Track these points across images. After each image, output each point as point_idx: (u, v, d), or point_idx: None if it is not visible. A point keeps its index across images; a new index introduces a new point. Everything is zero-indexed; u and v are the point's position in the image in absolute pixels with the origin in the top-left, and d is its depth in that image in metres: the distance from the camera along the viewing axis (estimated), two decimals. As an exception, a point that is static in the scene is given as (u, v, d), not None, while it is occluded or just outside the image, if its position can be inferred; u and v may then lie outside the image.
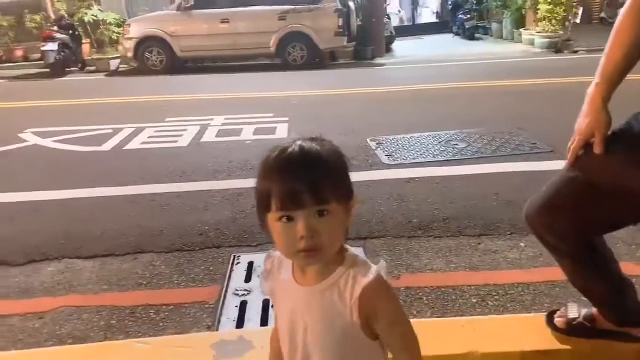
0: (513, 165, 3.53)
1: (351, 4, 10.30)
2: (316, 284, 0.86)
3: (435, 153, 3.85)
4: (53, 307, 2.07)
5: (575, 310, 1.51)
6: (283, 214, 0.79)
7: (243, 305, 2.07)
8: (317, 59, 9.77)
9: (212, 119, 5.24)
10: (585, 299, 1.50)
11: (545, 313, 1.60)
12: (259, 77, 8.80)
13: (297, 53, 9.54)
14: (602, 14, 13.99)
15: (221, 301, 2.09)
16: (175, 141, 4.58)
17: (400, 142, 4.14)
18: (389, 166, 3.68)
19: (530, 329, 1.59)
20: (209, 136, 4.72)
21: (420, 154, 3.83)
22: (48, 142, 4.72)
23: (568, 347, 1.48)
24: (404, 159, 3.75)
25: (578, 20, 10.69)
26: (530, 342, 1.53)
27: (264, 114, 5.39)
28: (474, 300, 2.01)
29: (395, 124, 4.83)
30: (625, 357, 1.49)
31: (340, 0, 9.56)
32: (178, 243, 2.64)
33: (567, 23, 10.43)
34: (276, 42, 9.43)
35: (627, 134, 1.23)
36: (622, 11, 1.20)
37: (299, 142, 0.82)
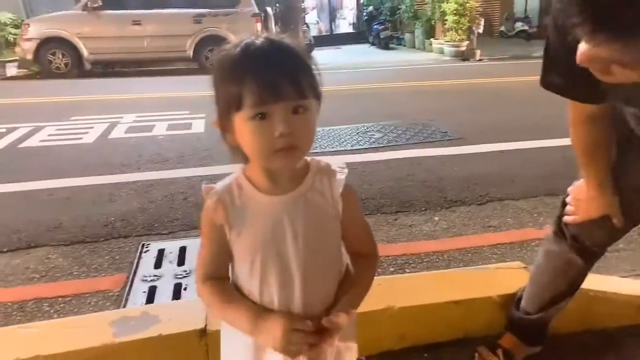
0: (426, 151, 3.64)
1: (269, 9, 10.28)
2: (295, 190, 0.81)
3: (352, 143, 3.88)
4: None
5: (491, 354, 1.43)
6: (258, 111, 0.71)
7: (152, 291, 1.92)
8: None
9: (121, 117, 4.92)
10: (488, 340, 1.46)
11: None
12: (175, 80, 8.48)
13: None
14: (502, 28, 15.23)
15: (127, 288, 1.92)
16: (80, 138, 4.23)
17: (319, 134, 4.13)
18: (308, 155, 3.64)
19: (447, 282, 1.60)
20: (118, 133, 4.42)
21: (339, 144, 3.84)
22: None
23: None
24: (322, 149, 3.74)
25: (481, 31, 11.52)
26: (448, 293, 1.53)
27: (179, 112, 5.16)
28: (392, 269, 2.02)
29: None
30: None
31: (258, 7, 9.50)
32: (79, 235, 2.41)
33: (472, 36, 11.21)
34: (192, 46, 9.17)
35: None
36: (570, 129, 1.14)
37: (263, 35, 0.74)
